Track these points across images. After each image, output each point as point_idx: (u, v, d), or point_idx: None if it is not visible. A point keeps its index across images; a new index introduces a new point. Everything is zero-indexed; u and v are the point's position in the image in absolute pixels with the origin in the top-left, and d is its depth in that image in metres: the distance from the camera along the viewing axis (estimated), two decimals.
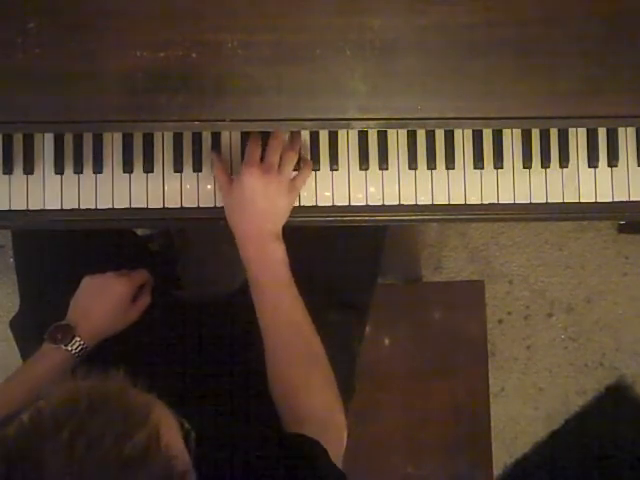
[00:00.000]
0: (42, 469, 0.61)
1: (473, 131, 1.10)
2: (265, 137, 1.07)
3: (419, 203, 1.11)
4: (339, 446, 1.00)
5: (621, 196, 1.11)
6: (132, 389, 0.69)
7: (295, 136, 1.07)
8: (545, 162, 1.10)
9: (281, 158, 1.04)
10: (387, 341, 1.46)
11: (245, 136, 1.10)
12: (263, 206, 1.02)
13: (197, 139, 1.10)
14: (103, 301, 1.11)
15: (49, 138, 1.10)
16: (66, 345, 1.07)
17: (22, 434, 0.63)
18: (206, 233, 1.71)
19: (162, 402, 0.71)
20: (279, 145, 1.05)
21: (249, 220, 1.03)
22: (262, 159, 1.04)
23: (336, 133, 1.10)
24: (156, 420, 0.66)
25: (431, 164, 1.10)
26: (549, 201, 1.11)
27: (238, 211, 1.03)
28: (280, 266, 1.03)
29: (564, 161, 1.10)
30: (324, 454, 0.92)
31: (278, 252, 1.03)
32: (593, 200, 1.11)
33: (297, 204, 1.09)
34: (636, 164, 1.11)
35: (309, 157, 1.10)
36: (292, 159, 1.05)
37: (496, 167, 1.10)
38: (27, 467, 0.61)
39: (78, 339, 1.08)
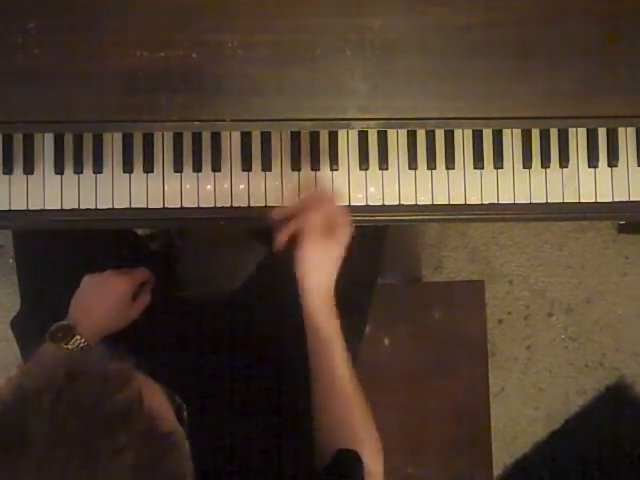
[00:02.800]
0: (26, 438, 0.61)
1: (473, 131, 1.10)
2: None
3: (419, 203, 1.11)
4: None
5: (621, 196, 1.11)
6: (111, 359, 0.70)
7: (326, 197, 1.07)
8: (545, 162, 1.10)
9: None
10: (387, 341, 1.46)
11: (245, 136, 1.10)
12: (331, 269, 1.04)
13: (197, 139, 1.10)
14: (103, 298, 1.11)
15: (49, 138, 1.10)
16: (66, 344, 1.07)
17: (3, 408, 0.64)
18: (206, 233, 1.71)
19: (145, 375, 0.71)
20: (336, 210, 1.05)
21: (320, 280, 1.04)
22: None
23: (336, 133, 1.10)
24: (137, 385, 0.67)
25: (431, 164, 1.10)
26: (549, 201, 1.11)
27: (309, 277, 1.04)
28: (336, 319, 1.04)
29: (564, 161, 1.10)
30: (362, 471, 0.93)
31: (334, 305, 1.04)
32: (593, 200, 1.11)
33: None
34: (636, 164, 1.11)
35: (309, 157, 1.10)
36: (345, 226, 1.05)
37: (496, 167, 1.10)
38: (11, 438, 0.62)
39: (78, 337, 1.08)
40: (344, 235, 1.07)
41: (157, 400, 0.69)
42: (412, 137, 1.10)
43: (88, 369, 0.67)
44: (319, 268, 1.05)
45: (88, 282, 1.13)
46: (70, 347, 1.07)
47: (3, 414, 0.64)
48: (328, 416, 1.03)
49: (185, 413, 0.75)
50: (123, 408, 0.64)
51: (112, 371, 0.67)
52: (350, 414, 1.02)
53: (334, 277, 1.07)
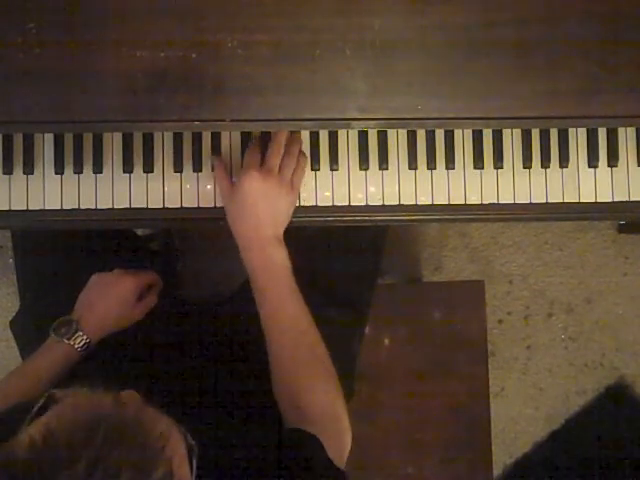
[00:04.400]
0: None
1: (473, 131, 1.10)
2: (265, 139, 1.07)
3: (419, 203, 1.11)
4: (342, 448, 0.99)
5: (621, 196, 1.11)
6: (148, 416, 0.67)
7: (295, 138, 1.07)
8: (545, 162, 1.10)
9: (281, 160, 1.05)
10: (387, 341, 1.46)
11: (245, 136, 1.10)
12: (264, 210, 1.02)
13: (197, 139, 1.10)
14: (108, 296, 1.12)
15: (49, 138, 1.10)
16: (69, 339, 1.07)
17: (35, 458, 0.61)
18: (206, 233, 1.71)
19: (172, 420, 0.69)
20: (279, 148, 1.05)
21: (250, 225, 1.03)
22: (262, 162, 1.04)
23: (336, 133, 1.10)
24: (170, 453, 0.65)
25: (431, 164, 1.10)
26: (549, 201, 1.11)
27: (239, 216, 1.03)
28: (282, 271, 1.03)
29: (564, 161, 1.10)
30: (321, 449, 0.92)
31: (280, 257, 1.03)
32: (593, 200, 1.11)
33: (297, 204, 1.09)
34: (636, 164, 1.11)
35: (309, 157, 1.10)
36: (292, 161, 1.06)
37: (496, 167, 1.10)
38: None
39: (81, 333, 1.08)
40: (296, 177, 1.05)
41: (184, 467, 0.67)
42: (412, 137, 1.10)
43: (127, 431, 0.64)
44: (252, 208, 1.02)
45: (95, 280, 1.14)
46: (72, 342, 1.08)
47: (32, 464, 0.60)
48: (279, 376, 1.01)
49: (195, 455, 0.72)
50: None
51: (150, 437, 0.65)
52: (302, 376, 1.00)
53: (277, 222, 1.03)
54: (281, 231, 1.05)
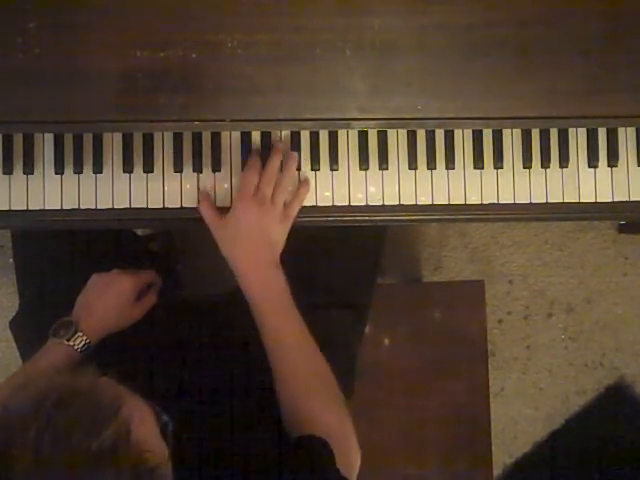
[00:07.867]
0: (10, 467, 0.61)
1: (473, 131, 1.10)
2: (264, 156, 1.06)
3: (419, 203, 1.11)
4: (349, 466, 0.98)
5: (621, 196, 1.11)
6: (103, 383, 0.69)
7: (290, 161, 1.07)
8: (545, 162, 1.10)
9: (275, 186, 1.05)
10: (387, 341, 1.46)
11: (245, 136, 1.10)
12: (258, 238, 1.03)
13: (197, 139, 1.10)
14: (107, 297, 1.12)
15: (49, 138, 1.10)
16: (69, 340, 1.07)
17: None
18: (206, 233, 1.71)
19: (135, 394, 0.70)
20: (272, 177, 1.05)
21: (245, 253, 1.03)
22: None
23: (336, 133, 1.10)
24: (126, 415, 0.65)
25: (431, 164, 1.10)
26: (549, 201, 1.11)
27: (233, 244, 1.04)
28: (280, 293, 1.03)
29: (564, 161, 1.10)
30: (331, 457, 0.91)
31: (277, 280, 1.03)
32: (593, 200, 1.11)
33: None
34: (636, 164, 1.11)
35: (309, 157, 1.10)
36: (285, 188, 1.05)
37: (496, 167, 1.10)
38: None
39: (80, 334, 1.08)
40: (292, 206, 1.06)
41: (145, 428, 0.68)
42: (412, 137, 1.10)
43: (79, 397, 0.65)
44: (247, 236, 1.02)
45: (94, 280, 1.14)
46: (72, 343, 1.08)
47: None
48: (284, 397, 1.01)
49: (170, 430, 0.73)
50: (110, 444, 0.62)
51: (103, 400, 0.66)
52: (307, 397, 0.99)
53: (272, 248, 1.03)
54: (277, 255, 1.05)
